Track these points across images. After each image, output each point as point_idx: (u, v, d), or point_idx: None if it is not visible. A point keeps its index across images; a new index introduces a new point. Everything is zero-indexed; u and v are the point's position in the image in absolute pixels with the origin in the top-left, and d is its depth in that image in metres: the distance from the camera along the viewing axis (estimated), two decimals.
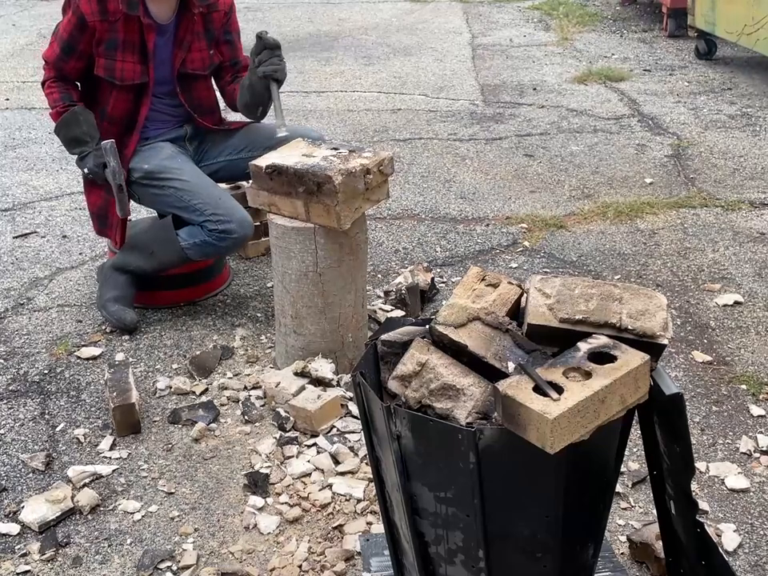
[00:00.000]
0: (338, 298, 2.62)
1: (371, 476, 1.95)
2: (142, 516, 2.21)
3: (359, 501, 2.21)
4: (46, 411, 2.63)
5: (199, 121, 3.05)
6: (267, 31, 2.85)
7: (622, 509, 2.19)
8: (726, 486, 2.26)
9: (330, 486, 2.27)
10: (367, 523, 2.14)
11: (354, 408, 2.53)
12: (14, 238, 3.84)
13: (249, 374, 2.76)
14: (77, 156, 2.93)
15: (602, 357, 1.44)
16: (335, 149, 2.64)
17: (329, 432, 2.47)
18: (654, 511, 1.78)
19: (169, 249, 2.95)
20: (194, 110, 3.03)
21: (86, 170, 2.91)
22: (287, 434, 2.46)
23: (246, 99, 2.94)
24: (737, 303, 3.12)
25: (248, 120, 3.20)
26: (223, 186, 3.54)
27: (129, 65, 2.86)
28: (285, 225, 2.56)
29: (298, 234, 2.54)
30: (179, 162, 2.97)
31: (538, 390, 1.36)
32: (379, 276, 3.41)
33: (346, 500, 2.22)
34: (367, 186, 2.53)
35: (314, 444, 2.42)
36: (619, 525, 2.14)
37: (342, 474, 2.31)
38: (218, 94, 3.18)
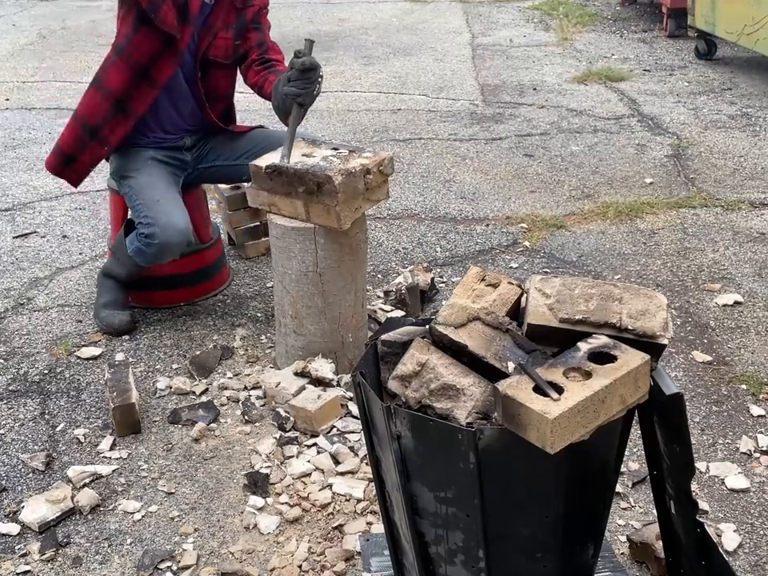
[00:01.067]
0: (337, 298, 2.62)
1: (371, 476, 1.95)
2: (142, 516, 2.21)
3: (359, 501, 2.21)
4: (46, 411, 2.63)
5: (208, 112, 2.99)
6: (307, 48, 2.58)
7: (622, 509, 2.19)
8: (726, 486, 2.25)
9: (329, 485, 2.27)
10: (367, 523, 2.14)
11: (354, 408, 2.52)
12: (13, 238, 3.84)
13: (249, 374, 2.76)
14: None
15: (602, 357, 1.44)
16: (335, 149, 2.64)
17: (329, 432, 2.47)
18: (654, 511, 1.78)
19: (124, 255, 2.95)
20: (207, 96, 2.97)
21: None
22: (287, 434, 2.46)
23: (275, 104, 2.75)
24: (737, 303, 3.12)
25: (254, 125, 3.19)
26: (223, 186, 3.55)
27: (171, 13, 2.74)
28: (285, 225, 2.56)
29: (298, 233, 2.54)
30: (141, 164, 2.93)
31: (537, 389, 1.36)
32: (379, 276, 3.41)
33: (346, 500, 2.22)
34: (367, 186, 2.53)
35: (314, 444, 2.42)
36: (619, 525, 2.14)
37: (342, 474, 2.31)
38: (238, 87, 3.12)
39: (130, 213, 2.99)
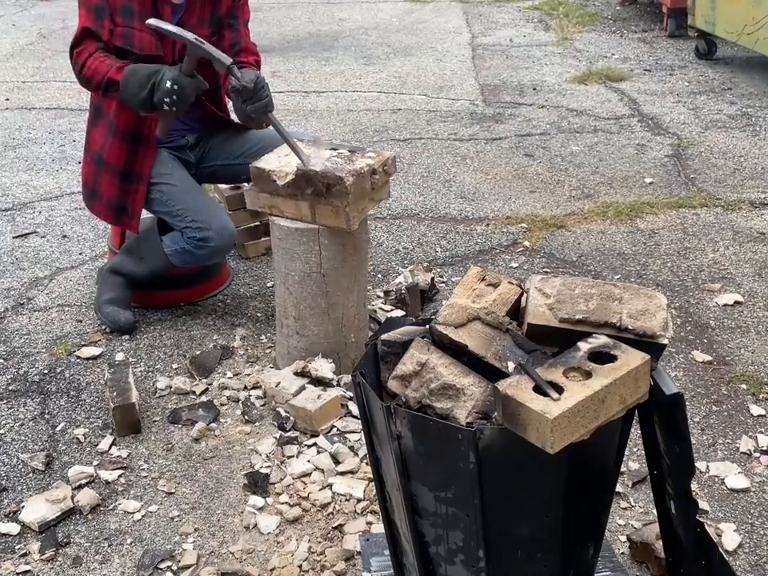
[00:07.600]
0: (341, 299, 2.62)
1: (371, 476, 1.95)
2: (142, 516, 2.21)
3: (359, 501, 2.21)
4: (46, 411, 2.63)
5: (201, 100, 2.97)
6: (235, 73, 2.57)
7: (622, 509, 2.19)
8: (726, 486, 2.26)
9: (330, 485, 2.27)
10: (367, 523, 2.14)
11: (354, 408, 2.52)
12: (13, 238, 3.84)
13: (249, 374, 2.76)
14: (154, 87, 2.57)
15: (602, 357, 1.44)
16: (334, 149, 2.64)
17: (329, 432, 2.47)
18: (654, 511, 1.78)
19: (155, 254, 2.94)
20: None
21: (170, 87, 2.54)
22: (287, 434, 2.46)
23: (244, 122, 2.76)
24: (737, 303, 3.12)
25: None
26: (223, 186, 3.55)
27: (146, 35, 2.74)
28: (288, 226, 2.55)
29: (302, 235, 2.53)
30: (169, 168, 2.93)
31: (538, 389, 1.36)
32: (379, 276, 3.41)
33: (346, 500, 2.22)
34: (373, 186, 2.53)
35: (314, 444, 2.42)
36: (619, 525, 2.14)
37: (342, 473, 2.31)
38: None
39: (159, 215, 2.97)
